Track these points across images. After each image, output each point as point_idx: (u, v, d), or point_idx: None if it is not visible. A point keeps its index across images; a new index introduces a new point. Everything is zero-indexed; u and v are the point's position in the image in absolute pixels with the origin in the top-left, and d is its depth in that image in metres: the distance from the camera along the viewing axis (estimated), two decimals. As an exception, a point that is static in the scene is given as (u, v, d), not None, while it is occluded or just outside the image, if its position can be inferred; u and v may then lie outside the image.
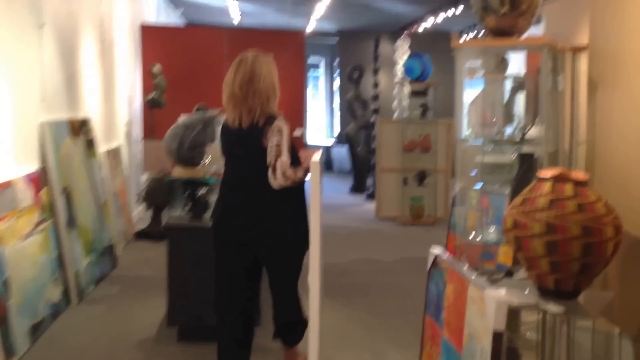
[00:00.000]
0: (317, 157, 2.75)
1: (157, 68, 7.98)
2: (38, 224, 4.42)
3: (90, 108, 6.18)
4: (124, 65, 7.76)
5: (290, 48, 9.23)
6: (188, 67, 9.08)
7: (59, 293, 4.58)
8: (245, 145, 3.09)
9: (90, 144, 5.84)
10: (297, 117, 9.49)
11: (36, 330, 4.07)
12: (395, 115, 10.64)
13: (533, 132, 4.57)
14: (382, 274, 5.98)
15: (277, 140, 2.97)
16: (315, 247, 2.64)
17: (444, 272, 2.67)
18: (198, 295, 4.06)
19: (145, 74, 8.42)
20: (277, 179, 2.92)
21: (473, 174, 6.45)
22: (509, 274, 3.08)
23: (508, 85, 6.03)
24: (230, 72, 3.14)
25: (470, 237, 5.17)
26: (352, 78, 11.32)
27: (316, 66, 18.24)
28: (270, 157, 2.95)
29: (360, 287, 5.53)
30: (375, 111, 10.81)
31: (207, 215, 4.30)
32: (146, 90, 8.38)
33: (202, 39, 9.31)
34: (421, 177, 8.89)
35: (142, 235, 6.92)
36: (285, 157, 2.94)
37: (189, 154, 4.24)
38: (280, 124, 3.04)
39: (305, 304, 3.00)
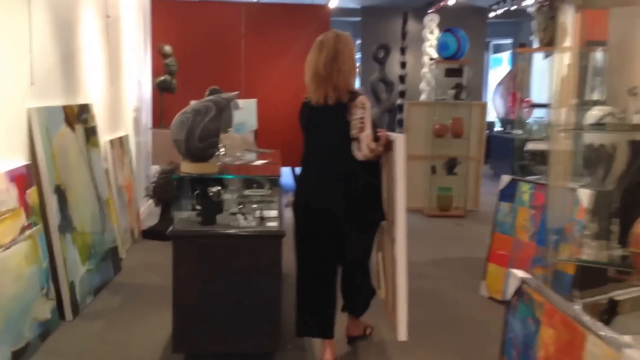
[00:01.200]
0: (400, 135, 3.18)
1: (168, 48, 7.29)
2: (24, 229, 3.76)
3: (92, 92, 5.51)
4: (131, 44, 7.07)
5: (313, 24, 8.51)
6: (203, 46, 8.43)
7: (49, 309, 3.93)
8: (331, 121, 3.28)
9: (90, 133, 5.17)
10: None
11: (19, 358, 3.42)
12: (423, 97, 9.90)
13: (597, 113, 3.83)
14: (413, 280, 5.11)
15: (360, 114, 3.18)
16: (401, 213, 3.06)
17: (536, 308, 1.96)
18: (209, 318, 3.40)
19: (155, 54, 7.73)
20: (362, 151, 3.17)
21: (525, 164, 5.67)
22: (612, 308, 2.36)
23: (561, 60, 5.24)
24: (313, 52, 3.33)
25: (520, 238, 4.45)
26: (377, 58, 10.55)
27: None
28: (354, 130, 3.18)
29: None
30: (402, 94, 10.09)
31: (220, 218, 3.64)
32: (156, 72, 7.70)
33: (219, 14, 8.62)
34: (451, 165, 8.16)
35: (150, 234, 6.28)
36: (369, 131, 3.17)
37: (199, 145, 3.54)
38: (364, 99, 3.24)
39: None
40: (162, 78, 7.19)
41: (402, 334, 3.20)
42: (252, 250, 3.46)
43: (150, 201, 6.60)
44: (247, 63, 8.63)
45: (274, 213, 3.95)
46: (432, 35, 10.05)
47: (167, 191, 5.95)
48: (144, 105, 7.65)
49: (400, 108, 9.96)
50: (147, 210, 7.09)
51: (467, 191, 8.10)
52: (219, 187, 3.76)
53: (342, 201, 3.31)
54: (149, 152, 7.57)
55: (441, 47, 8.01)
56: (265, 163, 4.25)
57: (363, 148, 3.17)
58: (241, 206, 3.83)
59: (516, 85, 13.42)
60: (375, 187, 3.47)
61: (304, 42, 9.19)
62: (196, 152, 3.55)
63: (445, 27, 8.38)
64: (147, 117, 7.84)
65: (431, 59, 8.25)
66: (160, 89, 7.21)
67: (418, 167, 8.26)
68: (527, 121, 11.93)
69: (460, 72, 7.99)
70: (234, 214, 3.91)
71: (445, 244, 6.54)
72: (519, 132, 11.76)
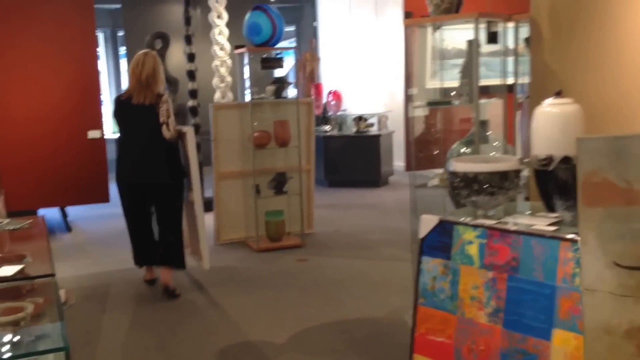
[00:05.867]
0: (189, 127, 4.77)
1: None
2: None
3: None
4: None
5: (72, 11, 6.34)
6: None
7: None
8: (147, 115, 4.52)
9: None
10: (92, 114, 6.53)
11: None
12: (217, 96, 7.88)
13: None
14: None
15: (166, 107, 4.51)
16: (196, 185, 4.65)
17: None
18: None
19: None
20: (170, 132, 4.48)
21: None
22: None
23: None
24: (136, 65, 4.55)
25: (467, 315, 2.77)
26: (154, 50, 8.25)
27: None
28: (162, 117, 4.48)
29: None
30: (193, 93, 7.92)
31: None
32: None
33: None
34: (279, 182, 6.28)
35: None
36: (172, 118, 4.52)
37: None
38: (167, 97, 4.58)
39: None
40: None
41: (207, 264, 4.67)
42: None
43: None
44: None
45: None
46: (221, 20, 8.03)
47: None
48: None
49: (193, 111, 7.82)
50: None
51: (302, 212, 6.27)
52: None
53: (158, 175, 4.56)
54: None
55: (251, 29, 6.03)
56: (22, 269, 1.91)
57: (171, 129, 4.47)
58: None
59: (306, 75, 11.92)
60: (180, 165, 4.69)
61: (57, 25, 6.67)
62: None
63: (237, 8, 6.38)
64: None
65: (237, 46, 6.19)
66: None
67: (236, 187, 6.28)
68: (332, 115, 10.40)
69: (280, 62, 6.09)
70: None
71: (301, 299, 4.60)
72: (326, 127, 10.23)
